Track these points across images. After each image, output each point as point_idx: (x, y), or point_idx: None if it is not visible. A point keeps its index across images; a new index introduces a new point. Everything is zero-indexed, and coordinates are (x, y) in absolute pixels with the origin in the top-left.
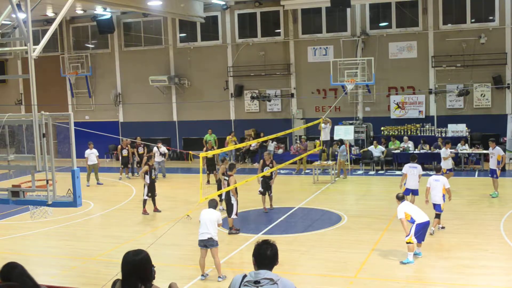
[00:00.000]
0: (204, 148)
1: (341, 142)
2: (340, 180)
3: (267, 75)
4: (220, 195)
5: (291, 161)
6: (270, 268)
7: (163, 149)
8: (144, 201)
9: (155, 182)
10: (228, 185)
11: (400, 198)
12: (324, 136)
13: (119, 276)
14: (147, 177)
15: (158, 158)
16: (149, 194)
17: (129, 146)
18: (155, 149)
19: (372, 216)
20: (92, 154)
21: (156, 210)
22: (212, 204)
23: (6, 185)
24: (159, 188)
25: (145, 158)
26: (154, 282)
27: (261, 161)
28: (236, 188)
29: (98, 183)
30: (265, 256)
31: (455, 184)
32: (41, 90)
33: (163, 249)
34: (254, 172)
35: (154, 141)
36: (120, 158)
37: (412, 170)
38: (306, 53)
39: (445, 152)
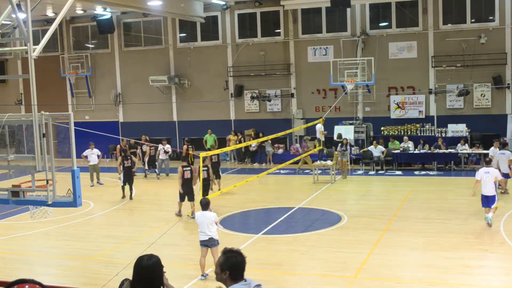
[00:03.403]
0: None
1: (339, 137)
2: (340, 180)
3: (267, 75)
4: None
5: (291, 161)
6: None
7: (168, 147)
8: (122, 188)
9: (132, 170)
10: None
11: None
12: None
13: (119, 276)
14: (120, 166)
15: (162, 156)
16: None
17: (127, 146)
18: (160, 146)
19: (372, 216)
20: (93, 155)
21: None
22: (204, 204)
23: (6, 185)
24: (160, 188)
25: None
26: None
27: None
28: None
29: (98, 183)
30: (243, 266)
31: (455, 184)
32: (41, 90)
33: (163, 249)
34: (253, 172)
35: (154, 141)
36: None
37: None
38: (306, 53)
39: (493, 151)
